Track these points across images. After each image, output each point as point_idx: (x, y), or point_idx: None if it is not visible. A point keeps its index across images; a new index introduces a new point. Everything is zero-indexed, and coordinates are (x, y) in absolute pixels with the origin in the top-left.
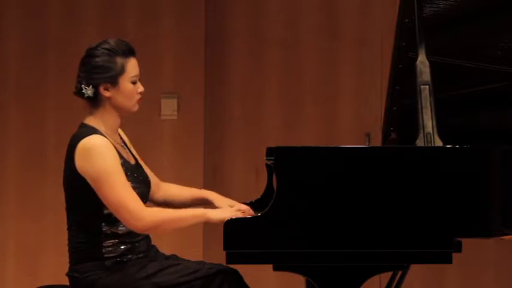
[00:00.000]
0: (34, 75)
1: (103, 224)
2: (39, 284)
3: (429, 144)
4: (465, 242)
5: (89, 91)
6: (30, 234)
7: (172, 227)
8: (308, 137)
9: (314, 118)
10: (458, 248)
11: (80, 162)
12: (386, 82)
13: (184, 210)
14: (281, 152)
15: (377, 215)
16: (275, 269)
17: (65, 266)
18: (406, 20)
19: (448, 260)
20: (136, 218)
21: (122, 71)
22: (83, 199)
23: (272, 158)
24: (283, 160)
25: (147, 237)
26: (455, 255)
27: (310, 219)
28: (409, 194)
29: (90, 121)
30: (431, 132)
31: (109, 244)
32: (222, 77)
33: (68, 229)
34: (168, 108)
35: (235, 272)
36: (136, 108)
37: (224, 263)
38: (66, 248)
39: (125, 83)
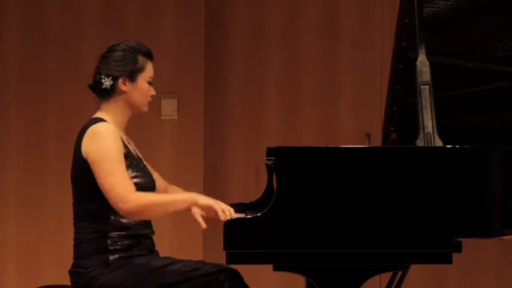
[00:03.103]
0: (34, 77)
1: (111, 213)
2: (39, 284)
3: (429, 144)
4: (465, 242)
5: (107, 82)
6: (30, 235)
7: (158, 211)
8: (308, 137)
9: (314, 118)
10: (458, 248)
11: (85, 146)
12: (387, 82)
13: (171, 195)
14: (281, 152)
15: (377, 215)
16: (275, 269)
17: (65, 266)
18: (406, 20)
19: (448, 260)
20: (122, 201)
21: (141, 69)
22: (91, 188)
23: (272, 158)
24: (283, 160)
25: (151, 239)
26: (455, 255)
27: (310, 219)
28: (409, 194)
29: (100, 115)
30: (431, 132)
31: (115, 236)
32: (222, 77)
33: (75, 222)
34: (168, 108)
35: (236, 271)
36: (146, 108)
37: (224, 263)
38: (66, 249)
39: (142, 81)
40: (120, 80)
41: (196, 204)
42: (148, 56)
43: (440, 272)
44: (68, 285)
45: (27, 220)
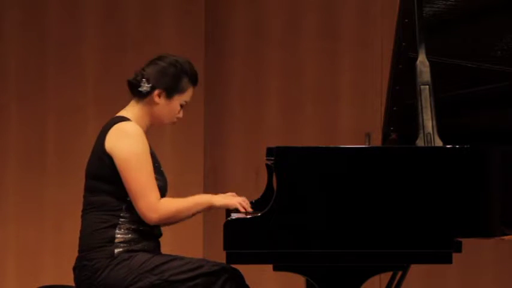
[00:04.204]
0: (34, 77)
1: (124, 207)
2: (39, 284)
3: (429, 144)
4: (465, 242)
5: (144, 87)
6: (30, 235)
7: (181, 217)
8: (308, 137)
9: (314, 118)
10: (458, 248)
11: (110, 140)
12: (387, 82)
13: (190, 199)
14: (281, 152)
15: (377, 215)
16: (275, 269)
17: (65, 266)
18: (406, 20)
19: (448, 260)
20: (152, 210)
21: (181, 90)
22: (108, 180)
23: (272, 158)
24: (283, 160)
25: (157, 239)
26: (455, 255)
27: (310, 219)
28: (409, 194)
29: (125, 114)
30: (431, 132)
31: (123, 228)
32: (222, 77)
33: (84, 214)
34: None
35: (238, 271)
36: (166, 125)
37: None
38: (66, 248)
39: (177, 102)
40: (157, 91)
41: (212, 206)
42: (193, 81)
43: (440, 272)
44: (68, 286)
45: (27, 220)
